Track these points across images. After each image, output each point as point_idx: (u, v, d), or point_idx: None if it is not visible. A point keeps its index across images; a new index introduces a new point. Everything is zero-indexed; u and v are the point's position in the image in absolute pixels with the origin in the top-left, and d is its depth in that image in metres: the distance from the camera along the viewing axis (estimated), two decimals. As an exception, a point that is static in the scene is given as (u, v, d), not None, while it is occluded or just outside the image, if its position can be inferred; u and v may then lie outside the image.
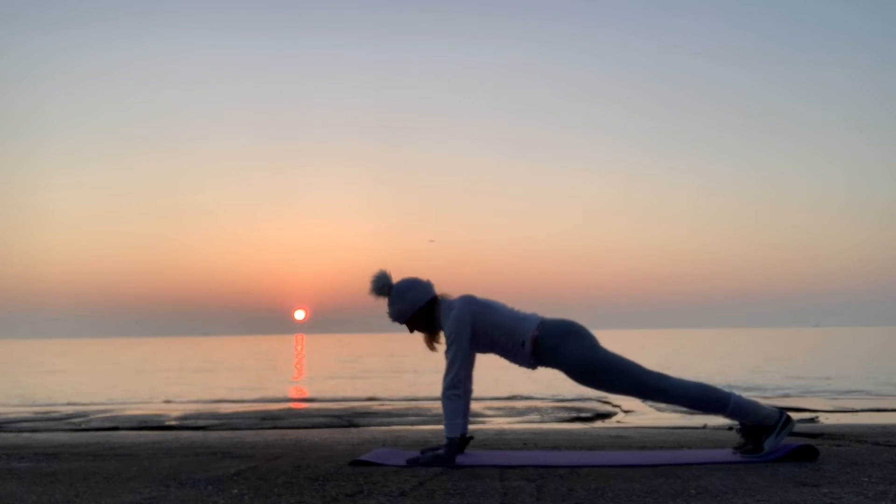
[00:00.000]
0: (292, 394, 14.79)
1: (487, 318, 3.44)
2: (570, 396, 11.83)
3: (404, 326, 3.65)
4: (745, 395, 3.52)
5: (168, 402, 12.68)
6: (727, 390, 3.36)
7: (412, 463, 3.30)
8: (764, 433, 3.29)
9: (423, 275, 3.65)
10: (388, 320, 3.68)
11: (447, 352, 3.44)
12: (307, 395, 14.40)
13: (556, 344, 3.36)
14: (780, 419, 3.28)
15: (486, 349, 3.52)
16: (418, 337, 3.69)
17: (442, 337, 3.58)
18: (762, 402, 3.44)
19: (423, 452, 3.51)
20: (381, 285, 3.57)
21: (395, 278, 3.61)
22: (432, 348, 3.62)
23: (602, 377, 3.32)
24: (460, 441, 3.50)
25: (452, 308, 3.47)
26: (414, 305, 3.53)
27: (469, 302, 3.48)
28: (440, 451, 3.33)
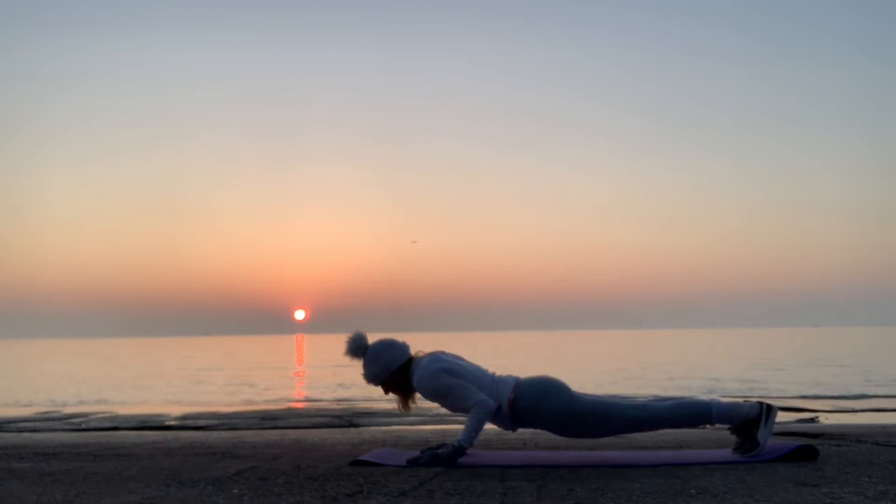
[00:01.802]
0: (292, 393, 14.80)
1: (452, 387, 3.37)
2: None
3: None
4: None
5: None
6: (706, 399, 3.43)
7: (412, 463, 3.30)
8: (753, 427, 3.34)
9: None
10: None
11: (448, 401, 3.38)
12: (307, 394, 14.40)
13: (533, 405, 3.35)
14: (762, 409, 3.34)
15: (457, 409, 3.44)
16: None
17: (417, 397, 3.54)
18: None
19: (423, 452, 3.52)
20: (356, 347, 3.52)
21: (372, 338, 3.56)
22: (406, 409, 3.57)
23: (589, 424, 3.34)
24: None
25: (419, 365, 3.44)
26: (388, 368, 3.48)
27: (437, 358, 3.46)
28: (441, 451, 3.33)
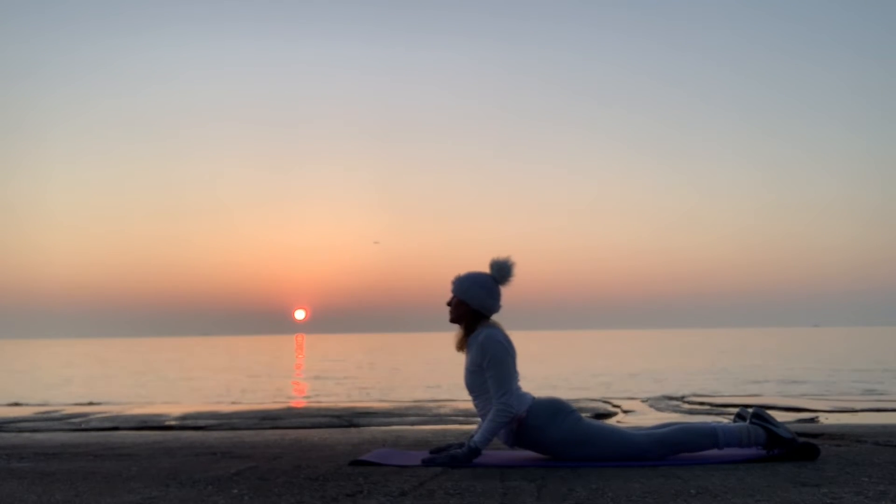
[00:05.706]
0: (292, 393, 14.80)
1: (505, 366, 3.40)
2: (568, 396, 11.83)
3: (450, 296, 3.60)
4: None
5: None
6: (712, 423, 3.45)
7: (428, 463, 3.33)
8: (773, 437, 3.36)
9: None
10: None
11: (491, 369, 3.39)
12: (307, 394, 14.41)
13: (541, 424, 3.36)
14: (759, 422, 3.39)
15: (474, 391, 3.47)
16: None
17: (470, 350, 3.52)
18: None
19: (431, 452, 3.56)
20: (503, 269, 3.53)
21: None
22: (460, 348, 3.57)
23: (593, 446, 3.34)
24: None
25: (493, 330, 3.45)
26: (469, 298, 3.48)
27: (509, 340, 3.48)
28: (456, 452, 3.34)
